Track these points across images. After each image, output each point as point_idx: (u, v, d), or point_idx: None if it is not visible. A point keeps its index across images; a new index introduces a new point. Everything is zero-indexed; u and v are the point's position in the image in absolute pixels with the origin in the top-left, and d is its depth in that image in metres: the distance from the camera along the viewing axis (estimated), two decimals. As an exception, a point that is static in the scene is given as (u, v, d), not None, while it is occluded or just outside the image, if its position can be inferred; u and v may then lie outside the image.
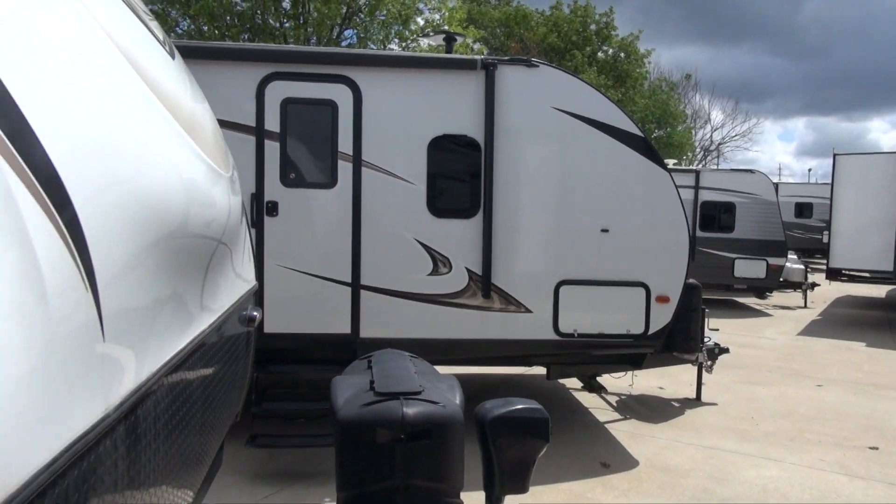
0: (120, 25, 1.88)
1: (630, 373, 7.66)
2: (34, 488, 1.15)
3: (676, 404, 8.05)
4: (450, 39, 6.82)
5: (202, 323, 2.45)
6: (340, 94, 5.94)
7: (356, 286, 6.05)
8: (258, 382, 5.90)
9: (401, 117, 6.03)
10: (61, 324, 1.28)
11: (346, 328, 6.08)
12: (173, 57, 2.48)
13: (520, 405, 2.46)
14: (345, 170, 5.97)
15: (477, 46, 25.08)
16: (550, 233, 6.27)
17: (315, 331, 6.07)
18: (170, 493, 2.13)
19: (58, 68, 1.49)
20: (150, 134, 1.86)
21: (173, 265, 2.02)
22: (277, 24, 19.52)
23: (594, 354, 6.59)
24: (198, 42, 12.87)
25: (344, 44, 19.80)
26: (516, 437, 2.42)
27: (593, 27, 32.54)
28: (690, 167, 25.29)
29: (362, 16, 19.54)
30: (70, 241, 1.34)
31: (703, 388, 8.23)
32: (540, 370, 7.53)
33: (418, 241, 6.08)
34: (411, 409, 2.19)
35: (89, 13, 1.70)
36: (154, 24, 2.45)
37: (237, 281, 3.21)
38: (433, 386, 2.45)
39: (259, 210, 5.86)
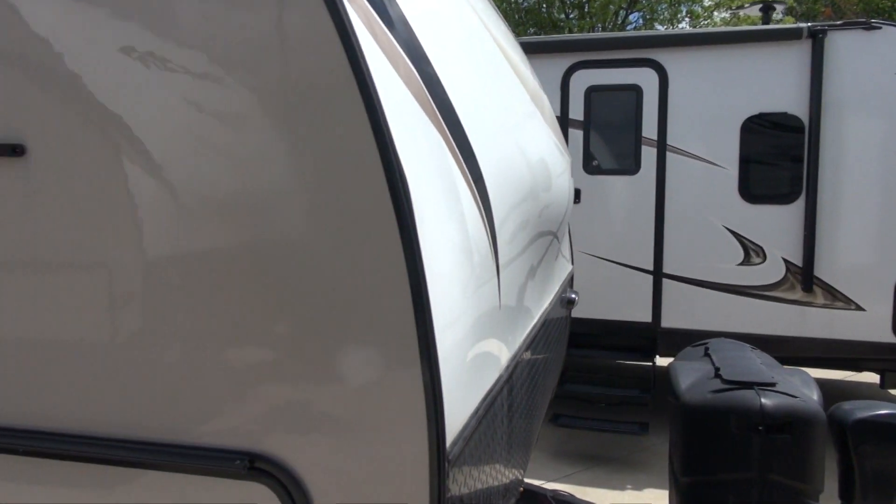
0: (497, 27, 2.09)
1: None
2: (469, 429, 1.33)
3: None
4: (767, 9, 6.26)
5: (545, 301, 2.60)
6: (645, 78, 5.82)
7: (658, 274, 5.90)
8: (557, 364, 6.10)
9: (710, 98, 5.71)
10: (485, 298, 1.46)
11: (646, 317, 5.98)
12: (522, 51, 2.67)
13: (889, 410, 2.19)
14: (648, 155, 5.85)
15: (779, 17, 22.59)
16: (892, 221, 5.43)
17: (614, 317, 6.07)
18: (520, 454, 2.30)
19: (465, 60, 1.69)
20: (523, 117, 2.04)
21: (534, 242, 2.17)
22: (562, 16, 19.77)
23: (947, 364, 5.57)
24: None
25: (629, 28, 19.34)
26: (885, 445, 2.16)
27: (931, -23, 27.16)
28: None
29: (648, -3, 18.88)
30: (485, 219, 1.51)
31: None
32: (870, 377, 6.59)
33: (727, 229, 5.71)
34: (770, 401, 2.07)
35: (481, 21, 1.91)
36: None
37: (564, 262, 3.34)
38: (785, 379, 2.29)
39: (562, 197, 6.02)
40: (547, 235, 2.47)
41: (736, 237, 5.71)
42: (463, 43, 1.78)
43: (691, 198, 5.78)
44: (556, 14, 19.72)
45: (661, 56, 5.78)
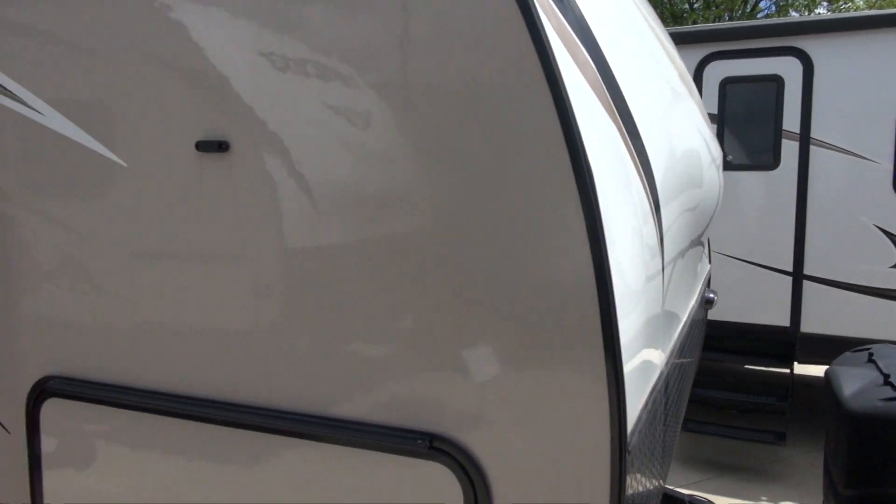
0: (643, 3, 2.06)
1: None
2: (641, 422, 1.32)
3: None
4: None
5: (692, 300, 2.52)
6: (787, 68, 5.50)
7: (798, 276, 5.56)
8: (685, 367, 5.88)
9: (862, 87, 5.31)
10: (653, 290, 1.44)
11: (783, 320, 5.65)
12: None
13: None
14: (790, 149, 5.52)
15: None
16: None
17: (746, 320, 5.78)
18: (668, 456, 2.25)
19: (625, 39, 1.68)
20: (678, 101, 2.00)
21: (689, 237, 2.12)
22: (685, 7, 18.99)
23: None
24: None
25: (760, 16, 18.29)
26: None
27: None
28: None
29: (781, -18, 17.77)
30: (654, 210, 1.49)
31: None
32: None
33: (879, 228, 5.29)
34: (953, 412, 1.92)
35: (640, 12, 1.89)
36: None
37: (706, 260, 3.23)
38: (966, 390, 2.11)
39: (692, 194, 5.79)
40: (698, 230, 2.40)
41: (889, 237, 5.28)
42: (621, 21, 1.77)
43: (838, 194, 5.40)
44: (679, 5, 18.97)
45: (806, 44, 5.43)
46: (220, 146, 1.38)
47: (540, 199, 1.15)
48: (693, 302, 2.59)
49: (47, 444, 1.66)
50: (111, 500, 1.61)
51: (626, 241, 1.25)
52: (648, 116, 1.63)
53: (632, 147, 1.40)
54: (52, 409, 1.64)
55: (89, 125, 1.52)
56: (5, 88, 1.61)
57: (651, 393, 1.47)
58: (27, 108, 1.58)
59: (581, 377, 1.15)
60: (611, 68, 1.43)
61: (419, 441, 1.26)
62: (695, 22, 18.30)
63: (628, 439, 1.18)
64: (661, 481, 2.18)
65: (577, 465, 1.17)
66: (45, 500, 1.66)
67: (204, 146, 1.40)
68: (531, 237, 1.16)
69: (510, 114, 1.16)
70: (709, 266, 3.56)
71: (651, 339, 1.46)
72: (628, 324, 1.22)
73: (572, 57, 1.24)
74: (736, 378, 6.06)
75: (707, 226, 2.59)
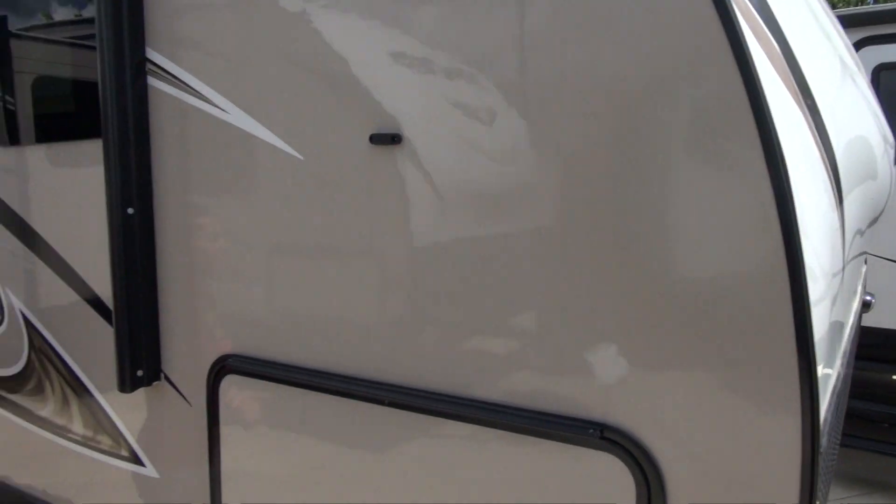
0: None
1: None
2: (828, 424, 1.24)
3: None
4: None
5: (856, 300, 2.36)
6: (956, 51, 4.99)
7: (964, 280, 5.05)
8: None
9: None
10: (835, 287, 1.36)
11: (946, 328, 5.15)
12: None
13: None
14: (956, 140, 5.01)
15: None
16: None
17: (900, 327, 5.31)
18: (833, 462, 2.11)
19: (799, 16, 1.59)
20: (850, 80, 1.88)
21: (861, 234, 1.98)
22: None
23: None
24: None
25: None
26: None
27: None
28: None
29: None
30: (839, 204, 1.40)
31: None
32: None
33: None
34: None
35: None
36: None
37: (864, 260, 3.01)
38: None
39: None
40: (868, 226, 2.24)
41: None
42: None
43: None
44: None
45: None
46: (393, 139, 1.44)
47: (728, 189, 1.11)
48: (856, 304, 2.42)
49: (224, 417, 1.79)
50: (280, 468, 1.72)
51: (819, 235, 1.19)
52: (829, 99, 1.54)
53: (814, 126, 1.33)
54: (229, 385, 1.78)
55: (269, 121, 1.63)
56: (194, 89, 1.75)
57: (832, 395, 1.39)
58: (213, 107, 1.72)
59: (772, 375, 1.10)
60: (789, 43, 1.36)
61: (591, 430, 1.26)
62: (835, 6, 17.00)
63: (820, 440, 1.12)
64: (825, 497, 2.06)
65: (764, 467, 1.13)
66: (223, 468, 1.80)
67: (377, 139, 1.46)
68: (719, 228, 1.12)
69: (696, 97, 1.13)
70: (865, 266, 3.31)
71: (832, 339, 1.38)
72: (818, 320, 1.16)
73: (754, 33, 1.19)
74: (887, 389, 5.57)
75: (876, 221, 2.41)
